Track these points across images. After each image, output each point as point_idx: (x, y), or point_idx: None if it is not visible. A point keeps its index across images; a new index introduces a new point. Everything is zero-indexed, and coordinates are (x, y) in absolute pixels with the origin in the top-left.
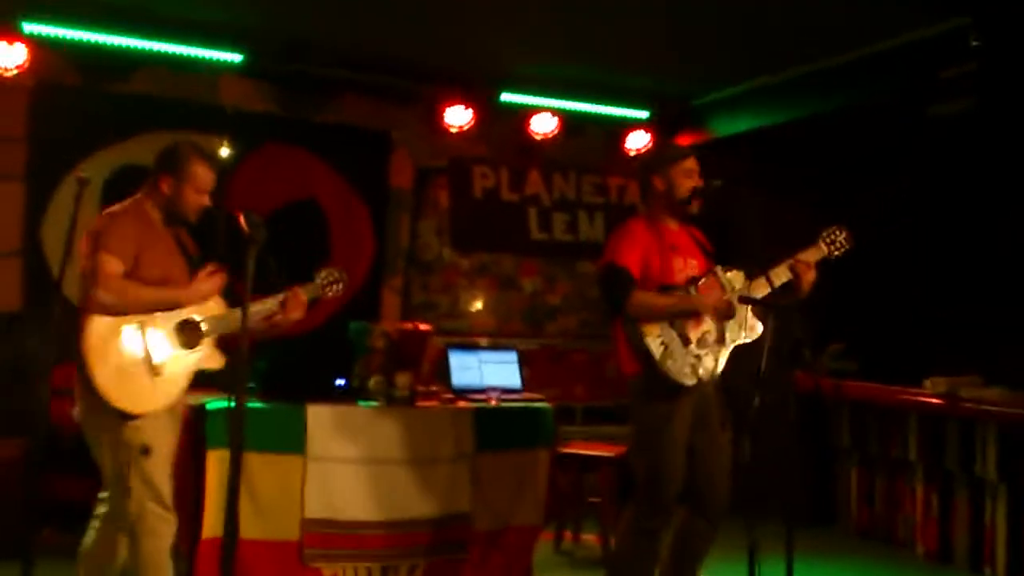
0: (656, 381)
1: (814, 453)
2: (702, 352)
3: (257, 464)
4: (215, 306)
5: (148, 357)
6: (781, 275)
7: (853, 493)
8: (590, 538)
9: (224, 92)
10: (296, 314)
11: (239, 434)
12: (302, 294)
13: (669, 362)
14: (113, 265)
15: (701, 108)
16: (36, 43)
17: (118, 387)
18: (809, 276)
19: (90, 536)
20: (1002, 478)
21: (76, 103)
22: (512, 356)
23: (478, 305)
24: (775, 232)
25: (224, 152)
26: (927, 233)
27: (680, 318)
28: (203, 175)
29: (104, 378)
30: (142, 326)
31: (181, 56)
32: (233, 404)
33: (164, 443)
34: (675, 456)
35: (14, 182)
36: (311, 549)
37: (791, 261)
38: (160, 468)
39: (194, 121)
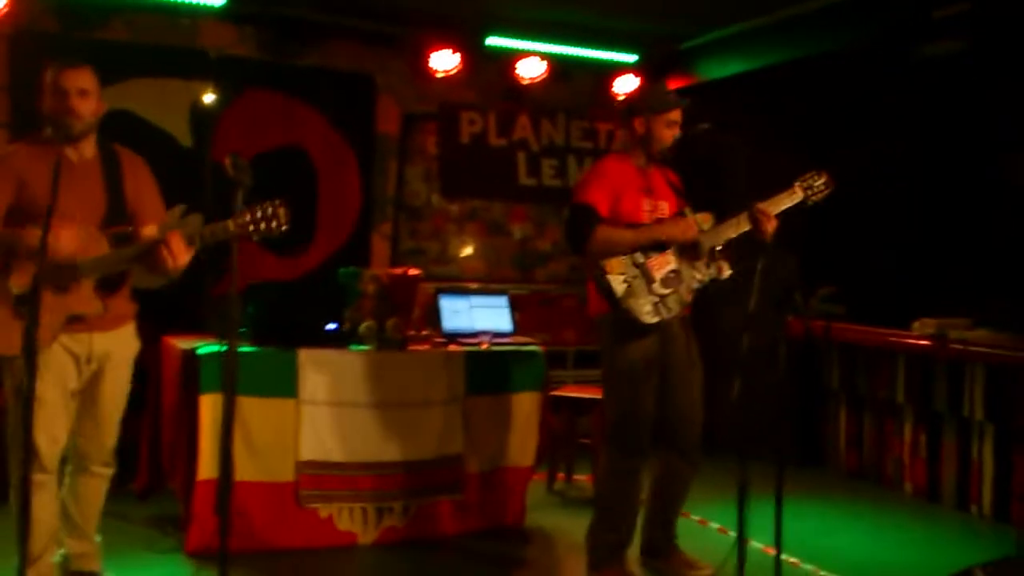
0: (621, 321)
1: (803, 395)
2: (666, 291)
3: (250, 408)
4: (96, 247)
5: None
6: (744, 223)
7: (842, 434)
8: (582, 478)
9: (205, 37)
10: (180, 259)
11: (232, 378)
12: (179, 237)
13: (631, 300)
14: None
15: (690, 51)
16: None
17: None
18: (769, 225)
19: None
20: (989, 418)
21: (56, 50)
22: (503, 300)
23: (468, 251)
24: (762, 177)
25: (208, 98)
26: (917, 176)
27: (645, 249)
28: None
29: None
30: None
31: (160, 1)
32: (225, 348)
33: (44, 391)
34: (643, 395)
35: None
36: (306, 490)
37: (750, 209)
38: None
39: (176, 67)
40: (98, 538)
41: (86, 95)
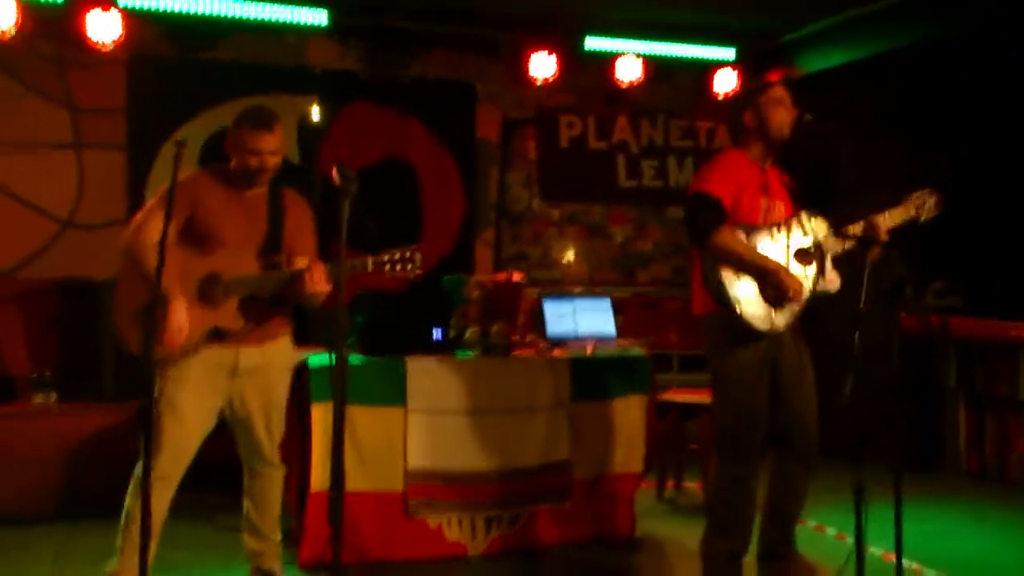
0: (730, 323)
1: (919, 394)
2: (779, 300)
3: (360, 417)
4: (246, 268)
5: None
6: (856, 228)
7: (962, 434)
8: (692, 485)
9: (311, 54)
10: (318, 287)
11: (341, 388)
12: (321, 267)
13: (744, 304)
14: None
15: (790, 44)
16: (129, 16)
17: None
18: (875, 250)
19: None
20: None
21: (170, 73)
22: (606, 303)
23: (569, 255)
24: (867, 168)
25: (314, 113)
26: None
27: (752, 273)
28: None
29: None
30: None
31: (267, 21)
32: (334, 359)
33: (182, 398)
34: (755, 401)
35: (116, 151)
36: (415, 500)
37: (865, 223)
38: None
39: (283, 84)
40: (278, 536)
41: (276, 153)
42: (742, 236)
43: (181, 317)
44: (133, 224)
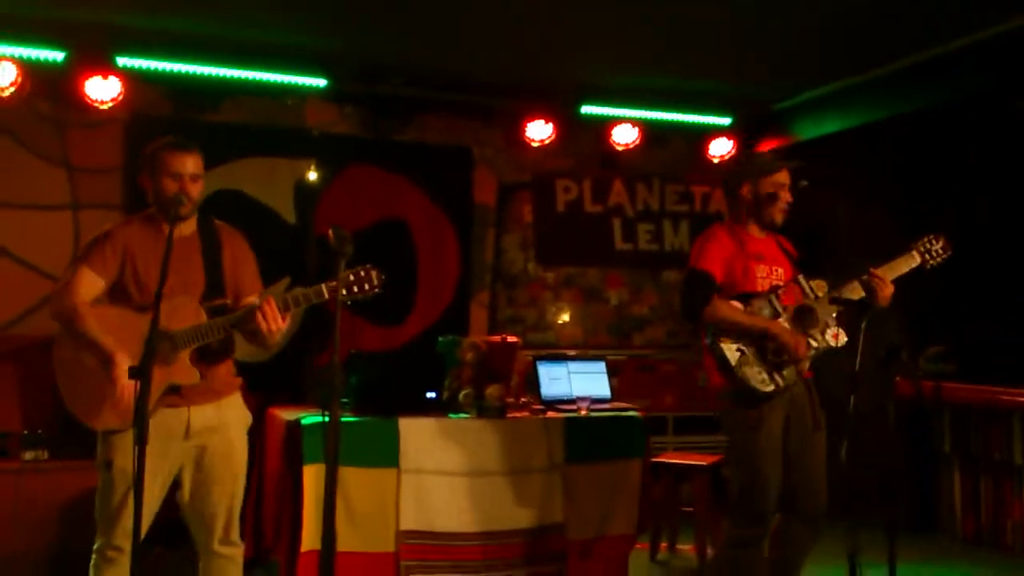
0: (738, 389)
1: (914, 457)
2: (781, 359)
3: (352, 478)
4: (191, 317)
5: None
6: (855, 290)
7: (957, 498)
8: (686, 548)
9: (310, 116)
10: (272, 324)
11: (334, 448)
12: (273, 302)
13: (746, 368)
14: None
15: (784, 112)
16: (129, 76)
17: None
18: (886, 291)
19: None
20: None
21: (168, 133)
22: (600, 366)
23: (564, 318)
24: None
25: (312, 175)
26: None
27: (752, 336)
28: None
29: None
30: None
31: (268, 83)
32: (328, 419)
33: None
34: (768, 464)
35: (114, 211)
36: (407, 561)
37: (864, 276)
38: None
39: (281, 146)
40: None
41: (197, 179)
42: (738, 305)
43: (126, 376)
44: (60, 283)
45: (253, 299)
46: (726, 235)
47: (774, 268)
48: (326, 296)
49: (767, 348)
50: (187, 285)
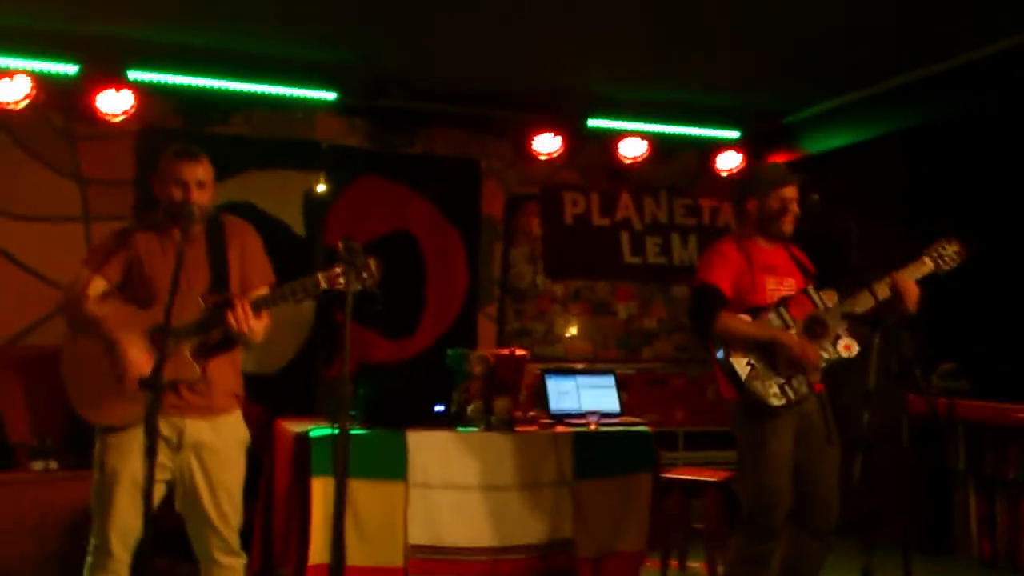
0: (749, 403)
1: (928, 476)
2: (792, 372)
3: (360, 491)
4: (192, 312)
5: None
6: (883, 290)
7: (972, 519)
8: (697, 565)
9: (319, 129)
10: (242, 325)
11: (343, 461)
12: (245, 302)
13: (756, 383)
14: None
15: (793, 125)
16: (140, 90)
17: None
18: (912, 294)
19: None
20: None
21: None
22: (610, 380)
23: (573, 331)
24: (873, 249)
25: (320, 187)
26: None
27: (763, 347)
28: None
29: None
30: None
31: (277, 96)
32: (336, 431)
33: (128, 469)
34: (778, 478)
35: (125, 223)
36: None
37: (889, 279)
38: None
39: (291, 158)
40: None
41: (204, 186)
42: (746, 318)
43: (135, 349)
44: (68, 283)
45: (262, 291)
46: (733, 248)
47: (784, 279)
48: (323, 286)
49: (778, 361)
50: (190, 282)
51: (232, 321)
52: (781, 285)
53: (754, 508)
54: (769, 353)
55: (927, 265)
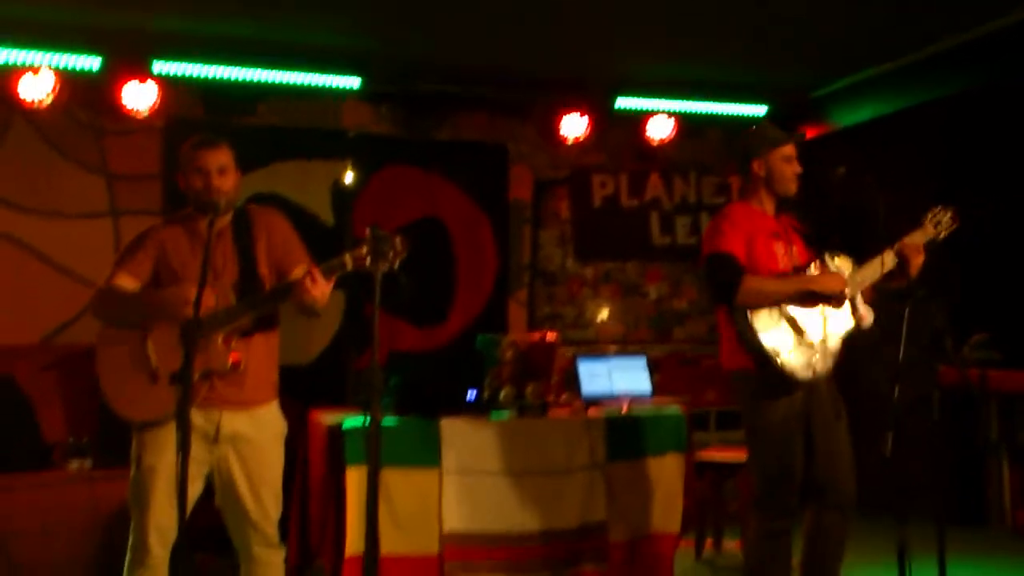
0: (768, 378)
1: (961, 448)
2: (816, 342)
3: (394, 479)
4: (221, 301)
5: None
6: (888, 260)
7: (1006, 490)
8: (732, 545)
9: (345, 118)
10: (318, 289)
11: (376, 450)
12: (315, 272)
13: (784, 356)
14: None
15: (821, 99)
16: (165, 82)
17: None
18: (917, 259)
19: None
20: None
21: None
22: (641, 362)
23: (604, 314)
24: (901, 222)
25: (348, 176)
26: None
27: (797, 301)
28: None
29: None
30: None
31: (302, 85)
32: (368, 421)
33: (164, 465)
34: (790, 453)
35: (154, 217)
36: (451, 563)
37: (898, 245)
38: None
39: (317, 148)
40: None
41: (225, 172)
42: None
43: (185, 289)
44: (98, 286)
45: (301, 270)
46: (741, 213)
47: (791, 247)
48: (349, 266)
49: (802, 329)
50: (218, 273)
51: (310, 287)
52: (789, 252)
53: (767, 484)
54: (795, 325)
55: (928, 232)
